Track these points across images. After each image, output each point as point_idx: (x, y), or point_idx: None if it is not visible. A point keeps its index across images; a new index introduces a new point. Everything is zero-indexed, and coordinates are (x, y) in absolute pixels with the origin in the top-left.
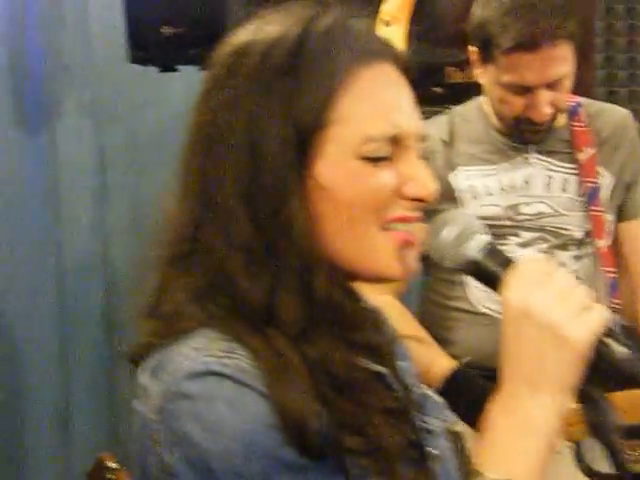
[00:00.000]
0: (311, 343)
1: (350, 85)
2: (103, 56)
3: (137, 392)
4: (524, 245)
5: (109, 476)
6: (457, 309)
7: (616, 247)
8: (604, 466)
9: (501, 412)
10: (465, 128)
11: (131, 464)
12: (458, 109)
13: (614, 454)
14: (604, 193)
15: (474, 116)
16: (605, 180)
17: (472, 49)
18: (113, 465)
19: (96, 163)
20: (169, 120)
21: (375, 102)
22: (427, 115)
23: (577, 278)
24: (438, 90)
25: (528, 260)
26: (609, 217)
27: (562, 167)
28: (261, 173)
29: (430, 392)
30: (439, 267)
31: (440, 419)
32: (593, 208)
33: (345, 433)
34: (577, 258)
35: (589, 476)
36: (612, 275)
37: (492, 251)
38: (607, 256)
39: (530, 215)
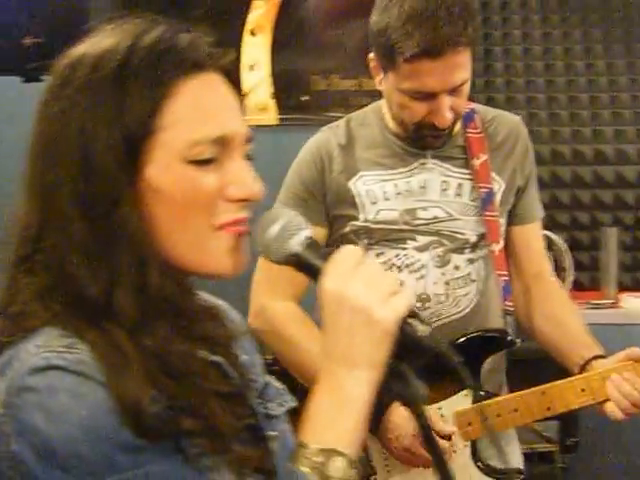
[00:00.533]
0: (148, 335)
1: (175, 94)
2: None
3: None
4: (420, 249)
5: None
6: None
7: (509, 250)
8: (499, 463)
9: (321, 389)
10: (363, 133)
11: None
12: (356, 114)
13: (421, 422)
14: (497, 198)
15: (372, 121)
16: (498, 185)
17: (371, 56)
18: None
19: None
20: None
21: (200, 108)
22: (294, 122)
23: (471, 280)
24: (304, 98)
25: (343, 251)
26: (502, 221)
27: (457, 172)
28: (93, 177)
29: (272, 380)
30: None
31: (280, 404)
32: (487, 213)
33: (181, 416)
34: (471, 261)
35: (486, 473)
36: (505, 277)
37: (312, 245)
38: (500, 259)
39: (426, 219)
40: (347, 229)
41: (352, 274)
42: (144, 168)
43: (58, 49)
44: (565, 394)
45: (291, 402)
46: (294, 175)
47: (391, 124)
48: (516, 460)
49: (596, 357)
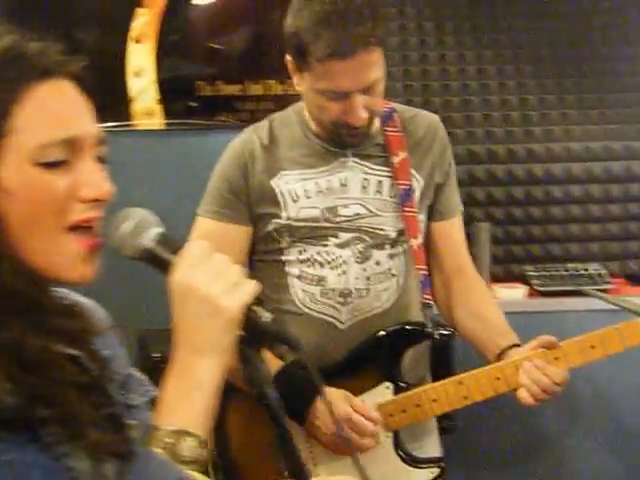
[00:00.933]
0: (3, 329)
1: (24, 99)
2: None
3: None
4: (342, 245)
5: None
6: (282, 310)
7: (430, 245)
8: (422, 452)
9: (173, 375)
10: (285, 133)
11: None
12: (279, 115)
13: (268, 402)
14: (416, 194)
15: (293, 121)
16: (417, 182)
17: (288, 57)
18: None
19: None
20: None
21: (48, 113)
22: (180, 127)
23: (392, 275)
24: (190, 103)
25: (191, 246)
26: (421, 217)
27: (377, 170)
28: None
29: (135, 372)
30: (267, 274)
31: (141, 394)
32: (406, 209)
33: (37, 406)
34: (392, 256)
35: (408, 463)
36: (424, 272)
37: (163, 240)
38: (419, 254)
39: (347, 217)
40: (270, 227)
41: (199, 266)
42: None
43: None
44: (481, 383)
45: (153, 392)
46: (218, 175)
47: (312, 124)
48: (436, 449)
49: (512, 346)
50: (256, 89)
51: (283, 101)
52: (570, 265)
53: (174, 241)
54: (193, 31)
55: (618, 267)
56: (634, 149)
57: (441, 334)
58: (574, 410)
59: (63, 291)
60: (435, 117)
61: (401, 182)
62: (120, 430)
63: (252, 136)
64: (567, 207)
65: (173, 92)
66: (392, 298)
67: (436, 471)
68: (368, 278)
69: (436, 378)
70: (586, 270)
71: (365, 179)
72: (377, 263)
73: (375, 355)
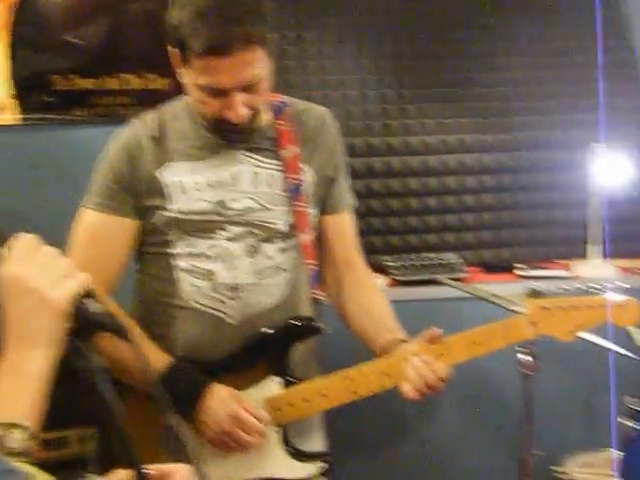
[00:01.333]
0: None
1: None
2: None
3: None
4: (232, 239)
5: None
6: (170, 305)
7: (322, 240)
8: (309, 446)
9: (2, 367)
10: (174, 125)
11: None
12: (167, 106)
13: (99, 388)
14: (307, 189)
15: (182, 113)
16: (308, 176)
17: (170, 49)
18: None
19: None
20: None
21: None
22: (36, 122)
23: (282, 270)
24: (46, 98)
25: (20, 239)
26: (312, 211)
27: (268, 164)
28: None
29: None
30: (155, 267)
31: None
32: (297, 203)
33: None
34: (283, 250)
35: (295, 457)
36: (314, 267)
37: None
38: (309, 249)
39: (238, 210)
40: (157, 220)
41: (27, 259)
42: None
43: None
44: (368, 378)
45: None
46: (104, 166)
47: (200, 117)
48: (323, 444)
49: (399, 341)
50: (112, 83)
51: (140, 95)
52: (427, 255)
53: (1, 234)
54: (48, 24)
55: (473, 256)
56: (487, 142)
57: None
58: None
59: None
60: (326, 110)
61: (292, 176)
62: None
63: (139, 128)
64: (424, 199)
65: (28, 86)
66: (282, 293)
67: (324, 466)
68: (258, 272)
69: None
70: (442, 259)
71: (256, 173)
72: (268, 257)
73: (263, 350)
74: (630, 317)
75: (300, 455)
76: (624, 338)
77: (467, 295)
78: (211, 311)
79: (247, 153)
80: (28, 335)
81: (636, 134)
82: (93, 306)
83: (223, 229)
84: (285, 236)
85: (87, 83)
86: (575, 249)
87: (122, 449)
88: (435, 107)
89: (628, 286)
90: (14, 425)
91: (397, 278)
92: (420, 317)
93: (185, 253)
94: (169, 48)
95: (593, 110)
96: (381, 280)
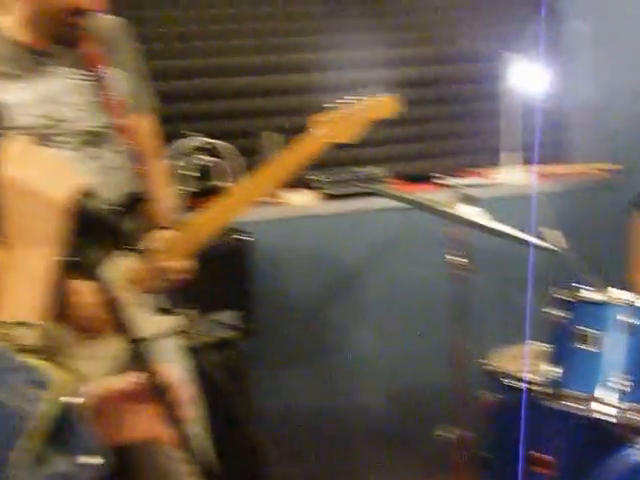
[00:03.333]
0: None
1: None
2: None
3: None
4: (63, 148)
5: None
6: None
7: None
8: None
9: (5, 269)
10: None
11: None
12: None
13: (103, 288)
14: (118, 90)
15: None
16: (114, 78)
17: None
18: None
19: None
20: None
21: None
22: None
23: (113, 168)
24: None
25: (14, 141)
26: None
27: (77, 74)
28: None
29: None
30: None
31: None
32: (109, 104)
33: None
34: (113, 151)
35: (163, 312)
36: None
37: None
38: (128, 130)
39: (61, 120)
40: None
41: (24, 161)
42: None
43: None
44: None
45: None
46: None
47: (17, 36)
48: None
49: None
50: None
51: None
52: (352, 169)
53: None
54: None
55: (392, 168)
56: (407, 56)
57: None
58: (361, 303)
59: None
60: (122, 20)
61: (98, 80)
62: None
63: None
64: None
65: None
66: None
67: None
68: (103, 174)
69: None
70: (367, 172)
71: (69, 83)
72: (102, 159)
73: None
74: (387, 109)
75: (164, 311)
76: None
77: (394, 205)
78: None
79: (58, 67)
80: (30, 235)
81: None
82: (93, 204)
83: (54, 140)
84: (109, 137)
85: None
86: (493, 158)
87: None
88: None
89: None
90: (23, 323)
91: (328, 192)
92: (349, 230)
93: None
94: None
95: (508, 22)
96: (309, 196)
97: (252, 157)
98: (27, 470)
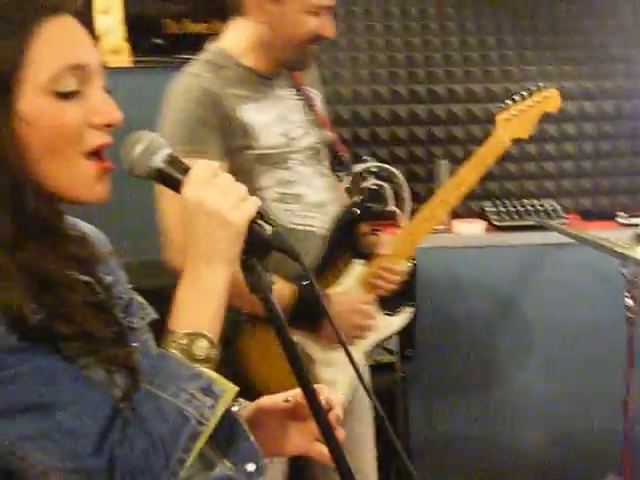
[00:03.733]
0: (24, 252)
1: (37, 34)
2: None
3: None
4: (301, 164)
5: None
6: None
7: None
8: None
9: (184, 284)
10: (224, 73)
11: None
12: (202, 60)
13: (268, 304)
14: (319, 107)
15: (225, 62)
16: (316, 96)
17: None
18: None
19: None
20: None
21: (58, 45)
22: (147, 65)
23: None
24: (157, 41)
25: (200, 165)
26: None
27: (294, 94)
28: None
29: (136, 296)
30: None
31: (141, 317)
32: (319, 120)
33: (56, 322)
34: (327, 166)
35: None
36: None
37: (172, 161)
38: (338, 143)
39: (294, 138)
40: (245, 158)
41: (208, 184)
42: (16, 102)
43: None
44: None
45: (152, 314)
46: (187, 115)
47: (245, 61)
48: None
49: None
50: (222, 27)
51: None
52: (525, 201)
53: (182, 161)
54: None
55: (571, 203)
56: (587, 89)
57: None
58: (525, 338)
59: (71, 220)
60: None
61: (309, 99)
62: (126, 346)
63: (201, 77)
64: (523, 146)
65: (140, 30)
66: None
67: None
68: (330, 188)
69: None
70: (541, 206)
71: (293, 104)
72: (326, 174)
73: (339, 243)
74: (555, 103)
75: (390, 310)
76: None
77: (566, 241)
78: (303, 228)
79: (283, 89)
80: (208, 253)
81: None
82: (266, 228)
83: (292, 159)
84: (322, 152)
85: (197, 27)
86: None
87: (291, 359)
88: (535, 54)
89: None
90: (200, 334)
91: (495, 223)
92: (519, 262)
93: (272, 184)
94: None
95: None
96: (478, 225)
97: (424, 184)
98: (198, 472)
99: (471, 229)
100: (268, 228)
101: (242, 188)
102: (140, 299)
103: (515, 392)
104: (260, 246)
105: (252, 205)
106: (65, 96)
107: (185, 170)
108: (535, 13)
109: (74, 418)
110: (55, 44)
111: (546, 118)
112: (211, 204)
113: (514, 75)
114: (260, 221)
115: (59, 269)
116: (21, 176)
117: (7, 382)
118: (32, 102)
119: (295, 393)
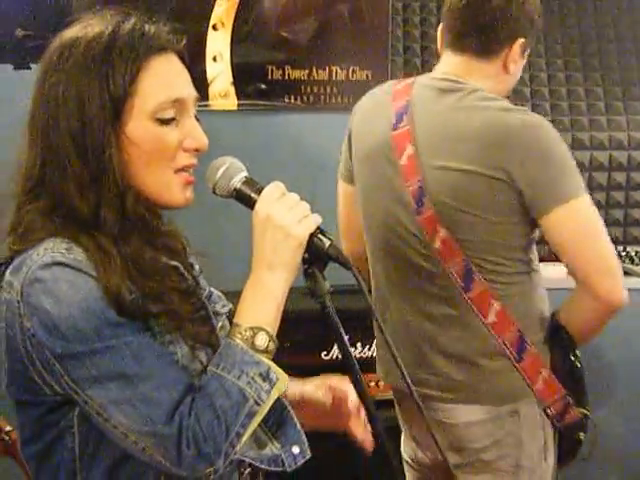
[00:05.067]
0: (125, 243)
1: (147, 68)
2: None
3: (4, 287)
4: None
5: (3, 436)
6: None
7: None
8: None
9: (249, 287)
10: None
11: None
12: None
13: (326, 309)
14: None
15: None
16: None
17: (521, 40)
18: (7, 428)
19: None
20: (23, 112)
21: (163, 79)
22: (251, 108)
23: None
24: (261, 86)
25: (270, 186)
26: None
27: None
28: (87, 129)
29: (214, 290)
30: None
31: (223, 305)
32: None
33: (149, 302)
34: None
35: None
36: None
37: (249, 182)
38: None
39: None
40: None
41: (276, 202)
42: (125, 124)
43: (45, 40)
44: None
45: (229, 305)
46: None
47: None
48: None
49: None
50: (321, 74)
51: (345, 86)
52: None
53: (256, 183)
54: (266, 20)
55: None
56: None
57: None
58: (608, 377)
59: (167, 219)
60: None
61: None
62: (210, 326)
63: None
64: (610, 192)
65: (246, 75)
66: None
67: None
68: None
69: None
70: (625, 252)
71: None
72: None
73: None
74: None
75: None
76: None
77: None
78: None
79: None
80: (273, 262)
81: None
82: (324, 240)
83: None
84: None
85: (298, 74)
86: None
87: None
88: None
89: None
90: (261, 329)
91: None
92: None
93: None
94: (518, 41)
95: None
96: (562, 268)
97: None
98: (251, 449)
99: (555, 272)
100: (326, 241)
101: (306, 206)
102: (217, 291)
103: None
104: (319, 257)
105: (313, 221)
106: (165, 122)
107: (259, 190)
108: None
109: (153, 390)
110: (160, 78)
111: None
112: (278, 219)
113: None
114: (320, 235)
115: (154, 257)
116: (124, 184)
117: (103, 353)
118: (138, 126)
119: (332, 383)
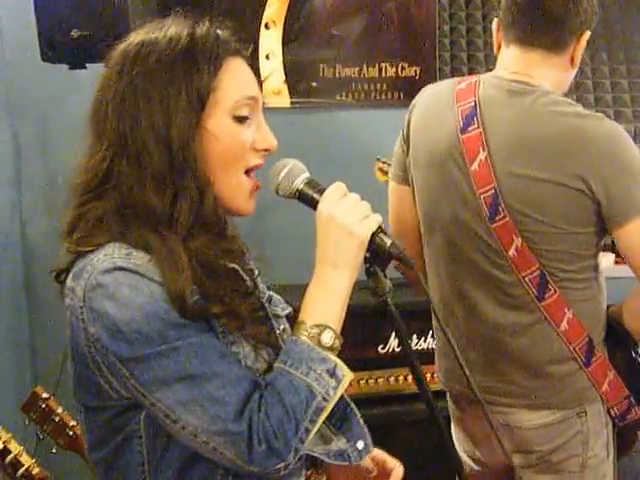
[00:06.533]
0: (195, 242)
1: (225, 68)
2: (15, 55)
3: (66, 293)
4: None
5: (42, 404)
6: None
7: None
8: None
9: (314, 285)
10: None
11: (67, 348)
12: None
13: (389, 307)
14: None
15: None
16: None
17: (585, 35)
18: (71, 422)
19: (11, 151)
20: (77, 110)
21: (239, 78)
22: (304, 105)
23: None
24: (313, 84)
25: (333, 186)
26: None
27: None
28: (173, 122)
29: (273, 294)
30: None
31: (282, 308)
32: None
33: (211, 303)
34: None
35: None
36: None
37: (310, 183)
38: None
39: None
40: None
41: (338, 202)
42: (206, 120)
43: (102, 40)
44: None
45: (288, 308)
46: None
47: None
48: None
49: None
50: (372, 71)
51: (395, 82)
52: None
53: (318, 184)
54: (316, 18)
55: None
56: None
57: None
58: None
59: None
60: None
61: None
62: (270, 327)
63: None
64: None
65: (298, 73)
66: None
67: None
68: None
69: None
70: None
71: None
72: None
73: None
74: None
75: None
76: None
77: None
78: None
79: None
80: (336, 260)
81: None
82: (386, 239)
83: None
84: None
85: (349, 71)
86: None
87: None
88: None
89: None
90: (326, 326)
91: None
92: None
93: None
94: (585, 33)
95: None
96: (609, 258)
97: None
98: (318, 444)
99: (602, 262)
100: (388, 240)
101: (367, 205)
102: (276, 295)
103: None
104: (381, 256)
105: (374, 220)
106: (241, 120)
107: (321, 191)
108: None
109: (220, 388)
110: (237, 77)
111: None
112: (340, 218)
113: None
114: (381, 234)
115: (219, 259)
116: (205, 179)
117: (168, 354)
118: (218, 121)
119: (377, 459)
